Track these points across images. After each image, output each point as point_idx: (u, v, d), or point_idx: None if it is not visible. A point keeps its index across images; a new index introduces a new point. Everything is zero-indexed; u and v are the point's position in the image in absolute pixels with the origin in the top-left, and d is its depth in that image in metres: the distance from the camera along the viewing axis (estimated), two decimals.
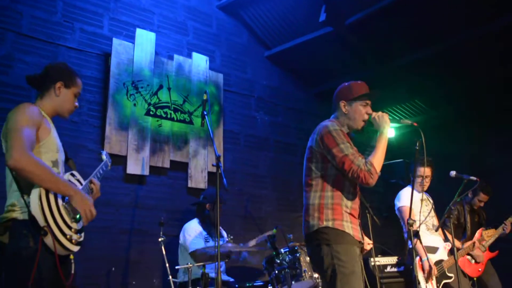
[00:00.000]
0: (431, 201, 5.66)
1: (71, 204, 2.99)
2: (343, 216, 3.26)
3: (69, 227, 2.95)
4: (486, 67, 7.31)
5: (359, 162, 3.20)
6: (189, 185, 6.25)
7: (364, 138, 3.71)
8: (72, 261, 3.01)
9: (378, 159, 3.28)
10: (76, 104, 3.40)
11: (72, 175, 3.28)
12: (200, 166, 6.37)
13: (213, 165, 4.10)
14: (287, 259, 4.71)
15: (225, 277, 5.49)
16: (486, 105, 8.20)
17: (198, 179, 6.31)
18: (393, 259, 6.83)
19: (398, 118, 3.60)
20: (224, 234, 5.66)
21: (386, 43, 7.05)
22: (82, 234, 3.08)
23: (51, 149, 3.10)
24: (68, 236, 2.89)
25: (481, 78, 7.57)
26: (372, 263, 6.73)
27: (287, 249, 4.82)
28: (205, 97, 4.47)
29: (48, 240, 2.79)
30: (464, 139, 8.48)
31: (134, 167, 5.78)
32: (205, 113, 4.43)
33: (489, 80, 7.59)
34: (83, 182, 3.33)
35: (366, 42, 7.07)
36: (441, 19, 6.44)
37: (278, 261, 4.74)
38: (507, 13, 6.13)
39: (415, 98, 8.46)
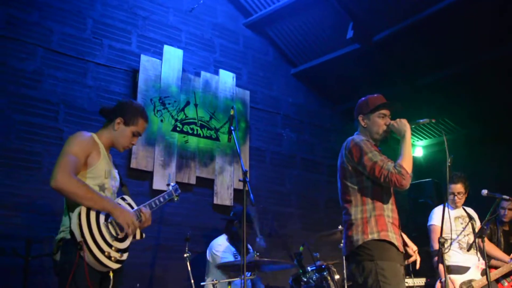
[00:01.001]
0: (474, 217, 5.44)
1: (114, 221, 3.12)
2: (388, 226, 3.24)
3: (109, 245, 3.05)
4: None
5: (388, 167, 3.19)
6: (215, 201, 6.23)
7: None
8: (111, 277, 3.09)
9: (406, 160, 3.25)
10: (134, 142, 3.52)
11: (123, 199, 3.40)
12: (226, 183, 6.34)
13: (240, 181, 4.07)
14: (314, 277, 4.64)
15: None
16: None
17: (223, 196, 6.28)
18: (421, 281, 6.68)
19: (418, 120, 3.53)
20: (251, 250, 5.60)
21: (413, 61, 7.01)
22: (125, 254, 3.17)
23: (99, 175, 3.24)
24: (106, 253, 3.00)
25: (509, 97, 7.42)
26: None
27: (314, 267, 4.74)
28: (232, 112, 4.45)
29: (86, 254, 2.91)
30: (493, 158, 8.30)
31: (160, 183, 5.77)
32: (232, 128, 4.40)
33: None
34: (135, 207, 3.43)
35: (393, 60, 7.03)
36: (469, 37, 6.37)
37: (305, 280, 4.66)
38: None
39: (443, 116, 8.33)
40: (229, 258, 5.24)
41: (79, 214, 2.97)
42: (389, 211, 3.33)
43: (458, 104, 7.82)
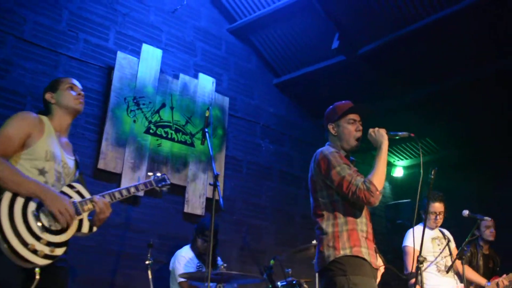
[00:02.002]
0: (451, 238, 5.25)
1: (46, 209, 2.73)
2: (361, 241, 3.07)
3: (37, 237, 2.66)
4: (496, 107, 7.08)
5: (357, 182, 3.01)
6: (185, 210, 5.93)
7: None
8: (37, 276, 2.65)
9: (377, 176, 3.06)
10: (76, 93, 3.24)
11: (70, 186, 3.02)
12: (199, 191, 6.05)
13: (210, 184, 3.80)
14: None
15: None
16: (495, 146, 7.92)
17: (195, 204, 5.98)
18: None
19: (397, 132, 3.33)
20: (219, 262, 5.30)
21: (399, 76, 6.85)
22: (60, 250, 2.75)
23: (37, 156, 2.91)
24: (30, 246, 2.60)
25: (493, 117, 7.34)
26: None
27: (284, 283, 4.47)
28: (207, 113, 4.21)
29: (1, 246, 2.56)
30: (472, 179, 8.18)
31: None
32: (206, 130, 4.16)
33: (499, 120, 7.36)
34: (86, 196, 3.05)
35: (379, 74, 6.87)
36: (455, 55, 6.26)
37: None
38: None
39: (425, 136, 8.18)
40: (191, 271, 4.93)
41: (0, 200, 2.62)
42: (363, 225, 3.15)
43: (440, 123, 7.74)
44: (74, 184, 3.06)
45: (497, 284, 5.39)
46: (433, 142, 8.38)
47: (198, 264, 5.08)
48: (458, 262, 5.08)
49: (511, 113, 7.13)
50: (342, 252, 3.00)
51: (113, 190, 3.21)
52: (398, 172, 9.25)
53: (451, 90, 6.81)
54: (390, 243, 8.38)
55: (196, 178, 6.06)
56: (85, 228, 3.02)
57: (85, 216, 3.01)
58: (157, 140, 5.85)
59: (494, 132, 7.67)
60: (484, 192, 7.98)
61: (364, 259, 3.01)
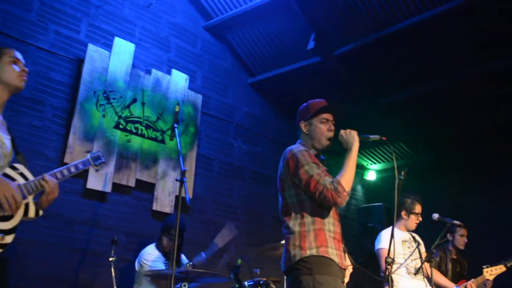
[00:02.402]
0: (421, 242, 5.28)
1: None
2: (328, 241, 3.01)
3: None
4: (470, 113, 7.12)
5: (324, 182, 2.97)
6: (154, 207, 5.82)
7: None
8: None
9: (346, 176, 3.03)
10: (19, 69, 3.01)
11: (13, 168, 2.86)
12: (168, 188, 5.94)
13: (176, 180, 3.71)
14: None
15: None
16: (468, 153, 7.97)
17: (164, 202, 5.87)
18: None
19: (369, 135, 3.30)
20: (185, 261, 5.20)
21: (374, 79, 6.85)
22: (9, 237, 2.62)
23: None
24: None
25: (467, 124, 7.37)
26: None
27: (251, 283, 4.39)
28: (177, 108, 4.15)
29: None
30: (444, 186, 8.21)
31: (95, 183, 5.34)
32: (176, 126, 4.08)
33: (473, 127, 7.40)
34: (30, 177, 2.90)
35: (354, 76, 6.84)
36: (431, 59, 6.27)
37: None
38: (496, 58, 5.99)
39: (399, 141, 8.19)
40: (160, 267, 4.83)
41: None
42: (330, 225, 3.09)
43: (414, 128, 7.74)
44: (17, 165, 2.90)
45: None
46: (406, 147, 8.40)
47: (166, 262, 4.97)
48: (427, 265, 5.09)
49: (484, 120, 7.18)
50: (308, 252, 2.95)
51: (58, 169, 3.09)
52: (371, 176, 9.26)
53: (425, 95, 6.85)
54: (361, 246, 8.37)
55: (166, 176, 5.95)
56: (31, 213, 2.90)
57: (30, 199, 2.88)
58: (127, 135, 5.73)
59: (468, 138, 7.71)
60: (457, 198, 8.02)
61: (331, 259, 2.96)
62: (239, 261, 4.53)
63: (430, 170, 8.40)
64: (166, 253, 5.03)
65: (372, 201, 8.86)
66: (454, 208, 7.73)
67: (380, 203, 8.32)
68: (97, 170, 3.63)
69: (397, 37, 5.99)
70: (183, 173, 3.69)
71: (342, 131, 3.23)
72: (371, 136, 3.27)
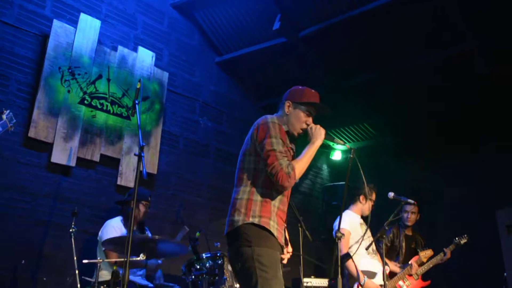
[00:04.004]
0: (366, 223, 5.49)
1: None
2: (271, 214, 3.09)
3: None
4: (435, 97, 7.27)
5: (282, 161, 3.06)
6: (119, 182, 5.93)
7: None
8: None
9: (301, 165, 3.15)
10: None
11: None
12: (133, 164, 6.06)
13: (135, 155, 3.81)
14: (208, 265, 4.44)
15: (144, 282, 5.18)
16: (431, 136, 8.21)
17: (128, 177, 5.99)
18: (324, 281, 6.69)
19: (335, 137, 3.47)
20: (149, 234, 5.35)
21: (341, 60, 6.98)
22: None
23: None
24: None
25: (432, 107, 7.54)
26: (308, 284, 6.58)
27: (209, 254, 4.54)
28: (138, 85, 4.21)
29: None
30: (405, 167, 8.45)
31: (60, 157, 5.43)
32: (137, 102, 4.16)
33: (437, 111, 7.58)
34: None
35: (320, 57, 6.98)
36: (398, 41, 6.38)
37: (198, 267, 4.46)
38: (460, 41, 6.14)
39: (364, 121, 8.39)
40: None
41: None
42: (278, 201, 3.19)
43: (379, 110, 7.88)
44: None
45: (411, 266, 5.71)
46: (371, 128, 8.59)
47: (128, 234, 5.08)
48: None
49: (448, 104, 7.33)
50: (251, 219, 3.02)
51: None
52: (337, 156, 9.46)
53: (392, 77, 6.99)
54: (325, 223, 8.59)
55: (130, 151, 6.05)
56: None
57: None
58: (92, 111, 5.80)
59: (431, 123, 7.89)
60: (417, 181, 8.25)
61: (270, 232, 3.05)
62: (198, 234, 4.68)
63: (393, 152, 8.63)
64: (138, 224, 5.18)
65: (337, 180, 9.08)
66: (414, 190, 8.00)
67: (344, 182, 8.52)
68: (11, 132, 3.71)
69: (362, 19, 6.12)
70: (141, 148, 3.78)
71: (312, 125, 3.33)
72: (337, 140, 3.47)
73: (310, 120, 3.36)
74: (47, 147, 5.41)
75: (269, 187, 3.15)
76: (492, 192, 7.13)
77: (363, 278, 4.97)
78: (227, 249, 3.17)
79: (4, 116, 3.56)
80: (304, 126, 3.33)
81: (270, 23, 6.53)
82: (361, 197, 5.43)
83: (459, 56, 6.30)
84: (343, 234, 3.85)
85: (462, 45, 6.16)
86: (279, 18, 6.39)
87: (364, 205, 5.44)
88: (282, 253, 3.24)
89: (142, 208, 5.26)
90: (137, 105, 4.13)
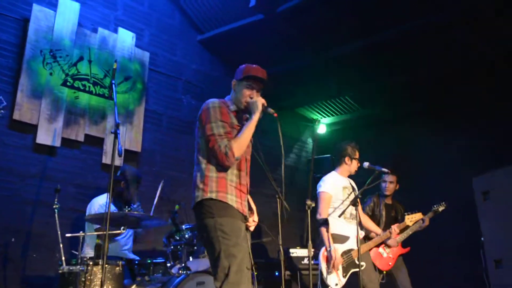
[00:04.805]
0: (355, 188, 5.59)
1: None
2: (228, 189, 3.36)
3: None
4: (416, 68, 7.36)
5: (220, 144, 3.31)
6: (104, 161, 6.11)
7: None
8: None
9: (239, 143, 3.35)
10: None
11: None
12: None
13: (111, 133, 3.98)
14: (187, 236, 4.66)
15: (131, 256, 5.39)
16: (413, 107, 8.36)
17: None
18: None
19: (268, 108, 3.62)
20: (141, 211, 5.51)
21: (321, 33, 7.01)
22: None
23: None
24: None
25: (412, 78, 7.61)
26: (293, 254, 6.79)
27: (188, 226, 4.76)
28: (115, 66, 4.38)
29: None
30: (389, 138, 8.63)
31: (44, 137, 5.60)
32: (113, 82, 4.31)
33: (418, 81, 7.68)
34: None
35: (298, 32, 7.03)
36: (377, 11, 6.40)
37: (178, 238, 4.68)
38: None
39: (345, 94, 8.52)
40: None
41: None
42: (233, 175, 3.43)
43: (359, 82, 7.98)
44: None
45: (390, 232, 5.86)
46: (353, 100, 8.72)
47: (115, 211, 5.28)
48: (360, 211, 5.52)
49: (428, 73, 7.45)
50: (209, 195, 3.30)
51: None
52: (321, 129, 9.62)
53: (370, 49, 7.03)
54: (310, 195, 8.79)
55: None
56: None
57: None
58: (74, 92, 5.96)
59: (413, 93, 8.05)
60: (399, 151, 8.42)
61: (228, 204, 3.31)
62: (177, 207, 4.89)
63: (375, 124, 8.82)
64: (117, 204, 5.35)
65: (321, 154, 9.26)
66: (396, 162, 8.17)
67: (328, 155, 8.70)
68: (1, 116, 3.89)
69: None
70: (116, 126, 3.92)
71: (249, 98, 3.53)
72: (270, 110, 3.54)
73: (253, 93, 3.56)
74: (32, 128, 5.58)
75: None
76: (472, 160, 7.29)
77: (328, 246, 5.15)
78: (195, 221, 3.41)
79: None
80: (248, 99, 3.53)
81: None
82: (346, 158, 5.57)
83: (436, 24, 6.38)
84: (312, 203, 4.04)
85: (441, 14, 6.20)
86: None
87: (351, 165, 5.60)
88: (247, 221, 3.50)
89: (133, 190, 5.42)
90: (113, 85, 4.28)
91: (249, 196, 3.68)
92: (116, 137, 3.92)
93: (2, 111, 3.85)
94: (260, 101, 3.47)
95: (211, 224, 3.25)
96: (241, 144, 3.35)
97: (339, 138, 8.86)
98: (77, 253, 4.72)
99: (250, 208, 3.65)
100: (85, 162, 6.02)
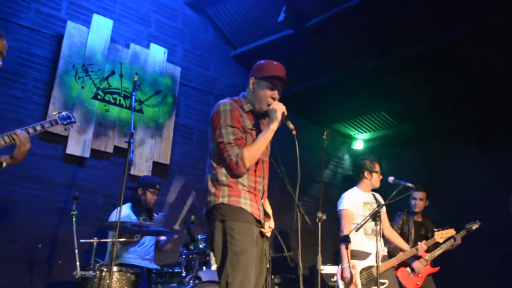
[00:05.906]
0: (382, 201, 5.40)
1: None
2: (240, 193, 3.20)
3: None
4: (451, 81, 7.19)
5: (231, 153, 3.16)
6: (132, 172, 6.26)
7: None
8: None
9: (251, 152, 3.19)
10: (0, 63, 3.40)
11: None
12: (146, 155, 6.39)
13: (125, 142, 4.10)
14: (201, 246, 4.70)
15: (152, 265, 5.46)
16: (450, 120, 8.17)
17: (141, 167, 6.32)
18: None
19: (288, 119, 3.49)
20: (156, 216, 5.61)
21: (351, 47, 7.01)
22: None
23: None
24: None
25: (444, 91, 7.46)
26: (323, 271, 6.69)
27: (203, 236, 4.80)
28: (135, 78, 4.49)
29: None
30: (426, 154, 8.45)
31: (74, 148, 5.81)
32: (134, 94, 4.44)
33: (453, 93, 7.49)
34: None
35: (330, 46, 7.05)
36: (407, 25, 6.33)
37: (192, 248, 4.72)
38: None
39: (380, 109, 8.41)
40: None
41: None
42: (246, 180, 3.26)
43: (394, 97, 7.87)
44: None
45: (417, 249, 5.64)
46: (388, 115, 8.60)
47: (136, 219, 5.39)
48: (386, 227, 5.40)
49: (465, 87, 7.26)
50: (220, 200, 3.15)
51: (28, 126, 3.53)
52: (358, 145, 9.53)
53: (402, 63, 6.93)
54: (321, 208, 8.64)
55: (143, 143, 6.39)
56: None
57: None
58: (105, 105, 6.16)
59: (448, 110, 7.87)
60: (435, 167, 8.23)
61: (242, 208, 3.15)
62: (193, 217, 4.94)
63: (411, 139, 8.65)
64: (137, 212, 5.47)
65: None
66: (432, 177, 7.98)
67: None
68: (66, 129, 4.05)
69: (366, 6, 6.11)
70: (131, 135, 4.05)
71: (273, 105, 3.28)
72: (289, 123, 3.30)
73: (275, 94, 3.35)
74: (63, 139, 5.80)
75: None
76: (508, 177, 7.05)
77: (345, 264, 5.04)
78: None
79: (56, 115, 3.92)
80: (270, 101, 3.32)
81: (279, 15, 6.69)
82: (366, 173, 5.41)
83: (468, 38, 6.23)
84: (323, 217, 3.97)
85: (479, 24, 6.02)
86: (284, 10, 6.55)
87: (371, 179, 5.43)
88: (262, 226, 3.31)
89: (149, 195, 5.53)
90: (134, 97, 4.41)
91: (266, 201, 3.52)
92: (129, 146, 4.05)
93: (66, 126, 4.02)
94: (280, 110, 3.25)
95: (220, 228, 3.13)
96: (254, 154, 3.18)
97: (377, 154, 8.71)
98: (101, 261, 4.87)
99: (266, 214, 3.44)
100: (114, 173, 6.19)
